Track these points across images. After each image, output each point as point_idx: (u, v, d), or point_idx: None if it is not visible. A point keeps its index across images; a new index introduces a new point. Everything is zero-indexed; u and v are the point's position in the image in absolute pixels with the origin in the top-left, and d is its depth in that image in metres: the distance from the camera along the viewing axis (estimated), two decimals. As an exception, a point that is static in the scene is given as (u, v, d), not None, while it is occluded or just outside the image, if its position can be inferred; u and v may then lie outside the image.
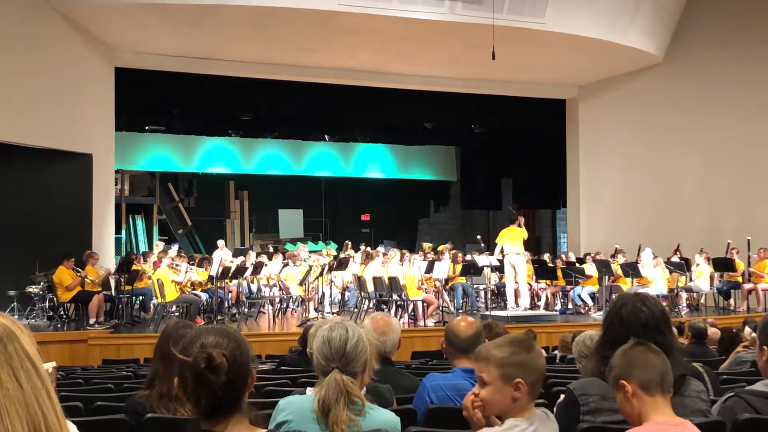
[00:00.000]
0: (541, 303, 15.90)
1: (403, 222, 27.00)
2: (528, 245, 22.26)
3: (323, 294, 15.27)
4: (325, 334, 2.93)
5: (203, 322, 12.50)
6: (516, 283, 14.60)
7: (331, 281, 15.48)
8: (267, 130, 21.63)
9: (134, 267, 13.93)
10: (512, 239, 14.30)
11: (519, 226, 14.60)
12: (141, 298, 14.65)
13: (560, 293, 16.05)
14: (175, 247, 17.48)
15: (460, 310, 15.08)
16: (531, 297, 16.16)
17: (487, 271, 15.37)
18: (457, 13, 14.12)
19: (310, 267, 14.92)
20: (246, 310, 15.06)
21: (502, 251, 14.43)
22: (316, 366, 2.95)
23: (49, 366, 2.66)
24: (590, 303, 14.97)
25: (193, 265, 15.00)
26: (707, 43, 17.27)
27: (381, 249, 17.12)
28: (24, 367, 1.36)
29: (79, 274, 12.89)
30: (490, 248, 17.45)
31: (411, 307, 13.89)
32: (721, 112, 17.16)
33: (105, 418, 3.82)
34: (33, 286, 13.43)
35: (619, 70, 18.14)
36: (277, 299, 15.39)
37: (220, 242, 17.54)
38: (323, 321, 3.77)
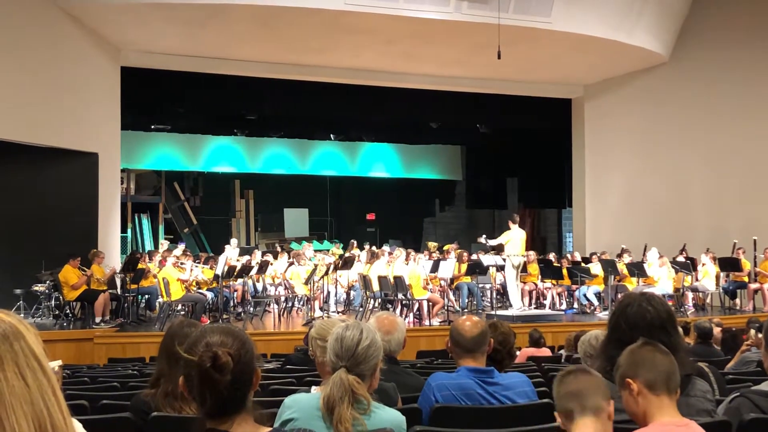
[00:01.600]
0: (547, 302, 15.90)
1: (409, 221, 27.00)
2: (533, 245, 22.31)
3: (328, 293, 15.28)
4: (339, 332, 2.93)
5: (209, 321, 12.53)
6: (522, 283, 14.64)
7: (336, 280, 15.49)
8: (272, 129, 21.65)
9: (140, 266, 13.96)
10: (521, 240, 14.29)
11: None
12: (147, 296, 14.69)
13: (566, 293, 16.03)
14: (181, 246, 17.50)
15: (466, 310, 15.07)
16: (537, 296, 16.20)
17: (492, 270, 15.36)
18: (462, 12, 14.11)
19: (316, 266, 14.93)
20: (251, 309, 15.08)
21: (502, 249, 14.41)
22: (325, 363, 2.95)
23: (55, 364, 2.66)
24: (596, 302, 14.95)
25: (198, 263, 15.02)
26: (713, 43, 17.23)
27: (386, 248, 17.12)
28: (30, 365, 1.37)
29: (84, 273, 12.91)
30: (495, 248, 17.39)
31: (416, 306, 13.90)
32: (727, 112, 17.13)
33: (110, 416, 3.83)
34: (39, 285, 13.47)
35: (624, 69, 18.10)
36: (283, 298, 15.41)
37: (233, 241, 17.52)
38: (323, 321, 3.77)
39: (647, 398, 2.53)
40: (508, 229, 14.37)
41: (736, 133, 17.05)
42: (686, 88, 17.59)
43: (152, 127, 20.32)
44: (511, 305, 14.73)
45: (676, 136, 17.85)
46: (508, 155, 23.84)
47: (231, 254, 15.94)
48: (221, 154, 23.53)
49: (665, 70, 17.80)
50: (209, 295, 13.96)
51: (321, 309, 14.74)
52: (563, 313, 15.16)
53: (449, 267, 14.84)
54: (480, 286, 15.77)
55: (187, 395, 2.07)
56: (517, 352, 7.23)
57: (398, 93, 18.65)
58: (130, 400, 3.85)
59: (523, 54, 15.63)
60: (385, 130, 22.41)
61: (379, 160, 25.49)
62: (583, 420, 2.51)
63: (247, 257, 16.16)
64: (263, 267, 15.14)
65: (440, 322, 13.39)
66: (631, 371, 2.56)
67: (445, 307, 14.22)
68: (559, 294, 16.03)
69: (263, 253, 17.60)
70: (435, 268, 14.71)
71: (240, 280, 14.93)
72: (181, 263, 13.99)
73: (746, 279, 15.34)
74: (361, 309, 14.46)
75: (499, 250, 14.71)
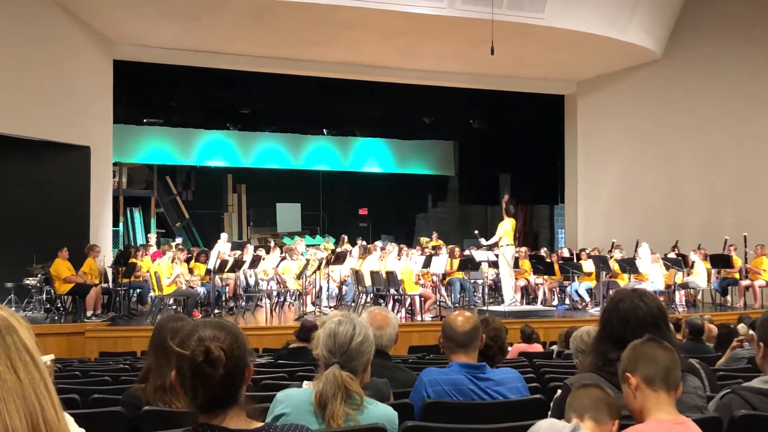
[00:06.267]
0: (539, 298, 15.92)
1: (401, 216, 26.99)
2: (525, 240, 22.31)
3: (320, 288, 15.26)
4: (332, 327, 2.93)
5: (201, 316, 12.51)
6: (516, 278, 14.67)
7: (329, 275, 15.48)
8: (265, 123, 21.65)
9: (131, 260, 13.93)
10: (510, 232, 14.29)
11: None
12: (138, 290, 14.64)
13: (557, 289, 16.06)
14: (178, 240, 17.49)
15: (458, 305, 15.09)
16: (528, 292, 16.23)
17: (484, 266, 15.38)
18: (456, 8, 14.11)
19: (308, 261, 14.91)
20: (243, 303, 15.06)
21: (497, 245, 14.40)
22: (319, 357, 2.94)
23: (47, 358, 2.65)
24: (587, 299, 14.98)
25: (190, 258, 14.97)
26: (706, 40, 17.26)
27: (379, 243, 17.11)
28: (22, 359, 1.36)
29: (78, 275, 12.89)
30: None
31: (408, 301, 13.90)
32: (719, 109, 17.16)
33: (102, 410, 3.82)
34: (30, 279, 13.43)
35: (617, 66, 18.13)
36: (275, 293, 15.38)
37: (224, 235, 17.48)
38: (332, 315, 3.77)
39: (645, 393, 2.53)
40: (502, 219, 14.35)
41: (728, 130, 17.08)
42: (679, 85, 17.62)
43: (145, 120, 20.29)
44: (504, 300, 14.75)
45: (669, 132, 17.88)
46: (501, 151, 23.87)
47: (222, 248, 15.92)
48: (214, 149, 23.51)
49: (658, 67, 17.83)
50: (201, 289, 13.94)
51: (313, 304, 14.74)
52: (555, 309, 15.19)
53: (441, 262, 14.85)
54: (472, 281, 15.79)
55: (179, 389, 2.06)
56: (509, 348, 7.25)
57: (391, 88, 18.64)
58: (121, 394, 3.85)
59: (516, 50, 15.64)
60: (378, 125, 22.42)
61: (372, 155, 25.51)
62: (582, 424, 2.52)
63: (239, 252, 16.14)
64: (255, 261, 15.13)
65: (432, 318, 13.41)
66: (631, 366, 2.57)
67: (437, 303, 14.22)
68: (550, 290, 16.06)
69: (255, 248, 17.57)
70: (427, 264, 14.73)
71: (232, 275, 14.89)
72: (175, 260, 13.84)
73: (737, 276, 15.39)
74: (353, 304, 14.46)
75: (492, 246, 14.70)
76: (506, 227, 13.99)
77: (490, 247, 14.63)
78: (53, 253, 12.88)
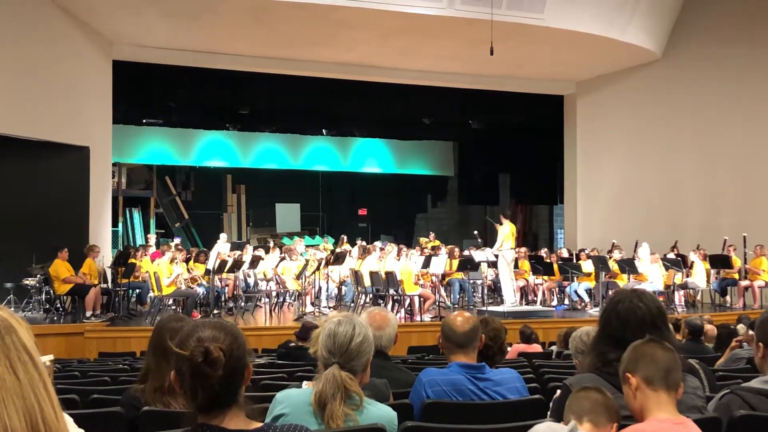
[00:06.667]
0: (538, 299, 15.93)
1: (401, 217, 26.99)
2: (525, 241, 22.31)
3: (320, 288, 15.27)
4: (331, 328, 2.93)
5: (200, 316, 12.51)
6: (515, 279, 14.66)
7: (328, 276, 15.49)
8: (265, 124, 21.64)
9: (131, 260, 13.92)
10: (512, 235, 14.32)
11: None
12: (138, 291, 14.64)
13: (557, 289, 16.05)
14: (176, 240, 17.48)
15: (457, 305, 15.09)
16: (528, 293, 16.23)
17: (483, 266, 15.38)
18: (456, 8, 14.11)
19: (307, 261, 14.91)
20: (243, 304, 15.06)
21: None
22: (318, 357, 2.95)
23: (47, 359, 2.65)
24: (586, 299, 14.98)
25: (189, 258, 14.96)
26: (705, 40, 17.26)
27: (378, 244, 17.11)
28: (21, 359, 1.36)
29: (78, 276, 12.89)
30: (488, 244, 17.40)
31: (408, 301, 13.90)
32: (718, 109, 17.15)
33: (101, 410, 3.82)
34: (30, 279, 13.42)
35: (617, 66, 18.13)
36: (274, 293, 15.38)
37: (223, 236, 17.47)
38: (331, 315, 3.77)
39: (644, 393, 2.53)
40: (500, 224, 14.37)
41: (727, 130, 17.07)
42: (678, 85, 17.61)
43: (144, 121, 20.29)
44: (503, 301, 14.75)
45: (668, 133, 17.87)
46: (501, 151, 23.87)
47: (222, 249, 15.91)
48: (213, 149, 23.50)
49: (657, 68, 17.83)
50: (200, 290, 13.93)
51: (312, 304, 14.74)
52: (554, 309, 15.19)
53: (441, 263, 14.86)
54: (471, 281, 15.79)
55: (179, 390, 2.06)
56: (508, 348, 7.24)
57: (391, 88, 18.63)
58: (120, 395, 3.84)
59: (515, 50, 15.64)
60: (377, 126, 22.42)
61: (372, 156, 25.51)
62: (581, 426, 2.53)
63: (238, 252, 16.14)
64: (255, 262, 15.12)
65: (431, 318, 13.41)
66: (631, 366, 2.58)
67: (437, 303, 14.23)
68: (550, 290, 16.06)
69: (255, 248, 17.56)
70: (426, 264, 14.73)
71: (232, 275, 14.89)
72: (176, 261, 13.83)
73: (736, 276, 15.39)
74: (352, 304, 14.46)
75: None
76: (506, 231, 14.04)
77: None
78: (53, 253, 12.88)
